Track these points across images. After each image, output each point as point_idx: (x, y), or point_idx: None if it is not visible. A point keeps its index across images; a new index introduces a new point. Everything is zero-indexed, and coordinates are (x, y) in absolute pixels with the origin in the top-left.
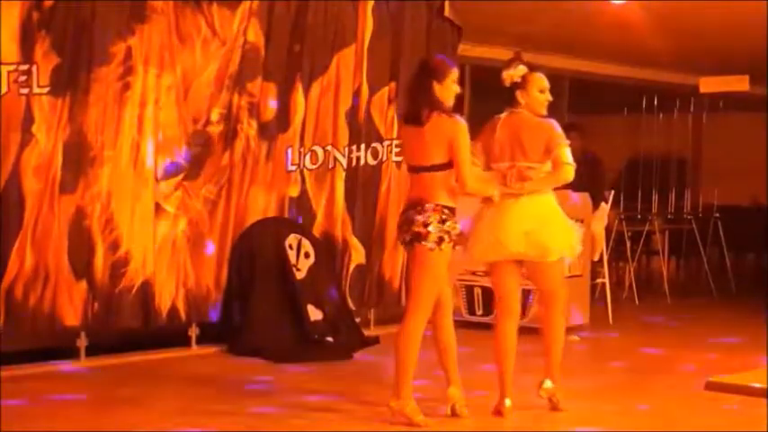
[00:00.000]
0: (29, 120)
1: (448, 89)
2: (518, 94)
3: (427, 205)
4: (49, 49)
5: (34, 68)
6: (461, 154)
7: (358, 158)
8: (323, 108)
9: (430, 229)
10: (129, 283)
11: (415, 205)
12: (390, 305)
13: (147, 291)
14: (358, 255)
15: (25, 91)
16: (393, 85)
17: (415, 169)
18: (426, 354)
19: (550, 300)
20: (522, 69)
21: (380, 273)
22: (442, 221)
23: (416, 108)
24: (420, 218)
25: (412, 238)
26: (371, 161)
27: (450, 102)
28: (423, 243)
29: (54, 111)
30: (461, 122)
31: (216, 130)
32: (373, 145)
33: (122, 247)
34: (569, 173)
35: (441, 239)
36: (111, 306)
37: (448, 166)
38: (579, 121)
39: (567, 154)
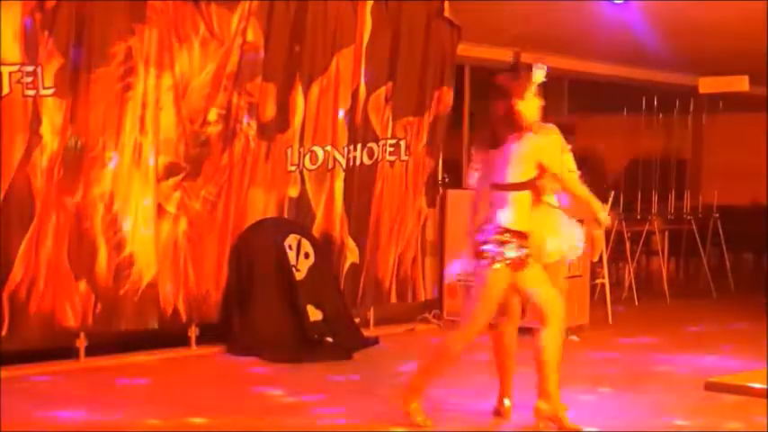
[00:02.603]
0: (36, 121)
1: (530, 104)
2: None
3: (490, 226)
4: (52, 50)
5: (39, 70)
6: (553, 167)
7: (354, 158)
8: (322, 108)
9: (485, 248)
10: (135, 284)
11: (484, 223)
12: (382, 305)
13: (151, 292)
14: (352, 254)
15: (32, 92)
16: (390, 84)
17: (492, 186)
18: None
19: (544, 306)
20: (541, 73)
21: (374, 272)
22: (501, 244)
23: (500, 134)
24: (481, 237)
25: (474, 255)
26: (367, 161)
27: (535, 116)
28: (480, 261)
29: (59, 112)
30: (544, 141)
31: (214, 130)
32: (369, 145)
33: (126, 249)
34: (573, 180)
35: (493, 260)
36: (115, 308)
37: (524, 185)
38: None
39: (570, 161)
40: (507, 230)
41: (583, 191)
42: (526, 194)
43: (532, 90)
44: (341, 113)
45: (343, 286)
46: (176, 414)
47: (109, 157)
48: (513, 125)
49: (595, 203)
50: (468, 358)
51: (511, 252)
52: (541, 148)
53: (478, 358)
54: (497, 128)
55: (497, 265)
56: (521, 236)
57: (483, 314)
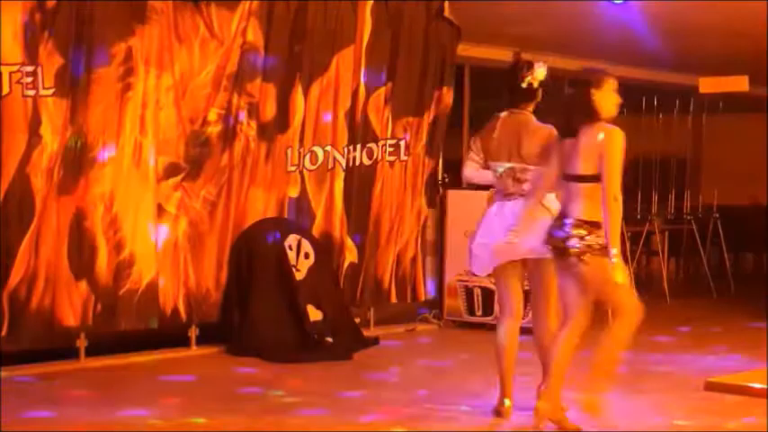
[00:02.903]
0: (36, 121)
1: (607, 96)
2: (541, 93)
3: (567, 220)
4: (52, 50)
5: (39, 70)
6: (609, 164)
7: (354, 158)
8: (322, 108)
9: (569, 243)
10: (134, 284)
11: (560, 217)
12: (382, 305)
13: (151, 292)
14: (351, 254)
15: (32, 93)
16: (390, 85)
17: (564, 177)
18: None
19: (548, 301)
20: (542, 71)
21: (374, 272)
22: (582, 237)
23: (571, 121)
24: (561, 234)
25: (557, 254)
26: (366, 161)
27: (610, 111)
28: (567, 260)
29: (59, 112)
30: (616, 132)
31: (214, 130)
32: (369, 145)
33: (126, 249)
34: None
35: (582, 253)
36: (115, 307)
37: (596, 178)
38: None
39: None
40: (584, 222)
41: (615, 211)
42: (597, 186)
43: (612, 85)
44: (328, 117)
45: (343, 286)
46: (176, 414)
47: (109, 158)
48: (587, 115)
49: (615, 235)
50: (469, 358)
51: (593, 242)
52: (609, 140)
53: (478, 358)
54: (571, 117)
55: (588, 258)
56: (596, 226)
57: (626, 296)
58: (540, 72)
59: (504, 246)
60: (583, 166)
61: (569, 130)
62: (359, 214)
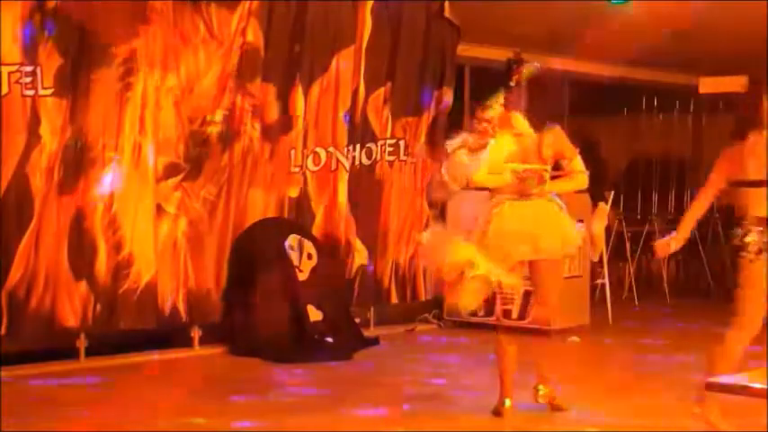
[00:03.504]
0: (35, 121)
1: None
2: (532, 91)
3: (746, 218)
4: (52, 50)
5: (38, 70)
6: (751, 171)
7: (354, 158)
8: (323, 109)
9: (747, 239)
10: (133, 284)
11: (738, 219)
12: (383, 304)
13: (150, 292)
14: (360, 256)
15: (31, 92)
16: (389, 85)
17: (733, 183)
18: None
19: (547, 300)
20: (531, 70)
21: (374, 273)
22: (761, 233)
23: (742, 124)
24: (740, 230)
25: (734, 251)
26: (365, 161)
27: None
28: (742, 254)
29: (58, 112)
30: None
31: (214, 130)
32: (368, 145)
33: (125, 249)
34: (584, 181)
35: (760, 250)
36: (114, 307)
37: (761, 183)
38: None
39: (580, 162)
40: (764, 219)
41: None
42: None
43: None
44: (328, 117)
45: (354, 288)
46: (177, 414)
47: (109, 158)
48: (756, 120)
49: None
50: (469, 358)
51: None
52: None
53: (478, 358)
54: (741, 121)
55: (765, 256)
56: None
57: (757, 307)
58: (527, 70)
59: (524, 245)
60: (749, 172)
61: (736, 133)
62: (367, 216)
